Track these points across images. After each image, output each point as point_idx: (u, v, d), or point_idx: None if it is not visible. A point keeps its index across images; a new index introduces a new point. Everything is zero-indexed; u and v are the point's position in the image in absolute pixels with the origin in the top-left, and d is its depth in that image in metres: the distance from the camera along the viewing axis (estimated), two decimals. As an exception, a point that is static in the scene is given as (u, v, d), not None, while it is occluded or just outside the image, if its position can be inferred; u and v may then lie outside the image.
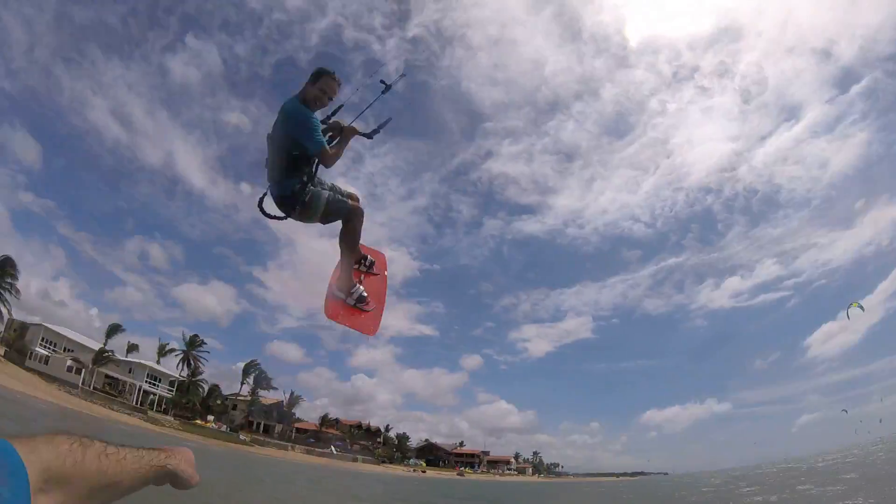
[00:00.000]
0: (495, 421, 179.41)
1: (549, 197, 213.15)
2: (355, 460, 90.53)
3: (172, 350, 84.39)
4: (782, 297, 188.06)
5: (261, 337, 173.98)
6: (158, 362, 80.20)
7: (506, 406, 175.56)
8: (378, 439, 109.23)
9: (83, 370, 59.08)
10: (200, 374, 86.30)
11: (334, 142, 4.47)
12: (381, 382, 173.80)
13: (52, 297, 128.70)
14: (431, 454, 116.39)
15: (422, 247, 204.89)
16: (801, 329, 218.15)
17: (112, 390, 63.26)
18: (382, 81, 4.72)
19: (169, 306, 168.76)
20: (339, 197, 4.69)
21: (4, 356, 55.56)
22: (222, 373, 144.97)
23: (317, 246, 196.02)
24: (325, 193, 4.59)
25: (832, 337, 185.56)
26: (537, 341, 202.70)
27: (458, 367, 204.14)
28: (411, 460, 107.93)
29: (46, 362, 60.05)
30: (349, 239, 4.77)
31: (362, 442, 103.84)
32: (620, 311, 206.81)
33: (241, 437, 76.34)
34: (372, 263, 5.52)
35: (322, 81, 4.31)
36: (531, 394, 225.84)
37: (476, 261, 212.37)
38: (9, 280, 58.95)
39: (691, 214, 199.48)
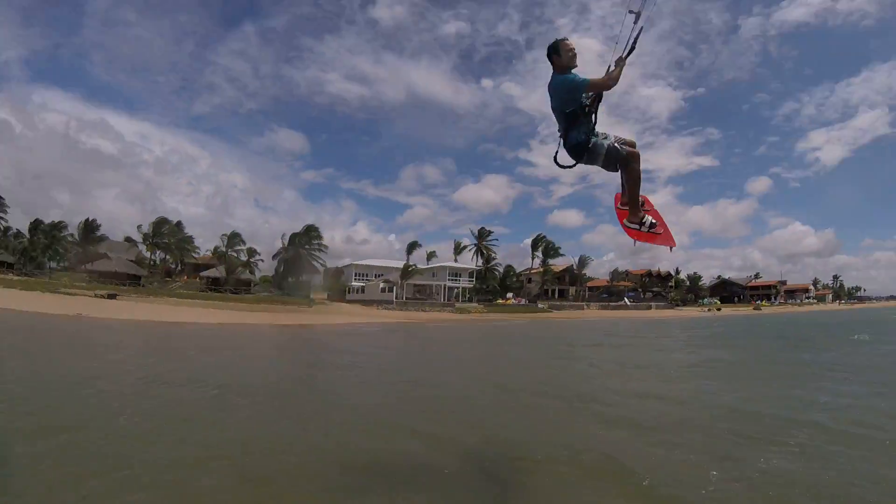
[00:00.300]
0: (790, 246, 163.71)
1: None
2: (649, 308, 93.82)
3: (465, 246, 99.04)
4: None
5: (541, 211, 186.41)
6: (456, 260, 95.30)
7: (801, 228, 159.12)
8: (669, 283, 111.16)
9: (394, 287, 74.19)
10: (494, 259, 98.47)
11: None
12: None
13: (354, 239, 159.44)
14: (725, 291, 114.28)
15: (679, 74, 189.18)
16: None
17: (421, 295, 78.12)
18: (631, 11, 4.90)
19: (454, 211, 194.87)
20: (617, 146, 5.24)
21: (328, 298, 73.94)
22: (513, 253, 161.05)
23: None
24: (606, 143, 5.22)
25: None
26: (829, 148, 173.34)
27: (745, 193, 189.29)
28: (705, 300, 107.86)
29: (363, 291, 77.96)
30: (630, 180, 5.43)
31: (654, 289, 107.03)
32: None
33: (540, 305, 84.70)
34: (653, 224, 5.67)
35: (560, 49, 5.08)
36: (828, 210, 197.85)
37: (743, 71, 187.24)
38: (315, 241, 74.95)
39: None
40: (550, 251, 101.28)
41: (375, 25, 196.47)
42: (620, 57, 4.93)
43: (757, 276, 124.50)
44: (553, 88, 5.20)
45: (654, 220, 5.57)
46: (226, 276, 68.33)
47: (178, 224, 78.37)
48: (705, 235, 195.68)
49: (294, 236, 73.39)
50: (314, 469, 5.82)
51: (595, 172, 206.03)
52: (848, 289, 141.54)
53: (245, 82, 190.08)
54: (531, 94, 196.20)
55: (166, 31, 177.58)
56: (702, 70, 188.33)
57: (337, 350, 20.51)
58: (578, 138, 5.23)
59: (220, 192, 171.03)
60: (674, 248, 5.48)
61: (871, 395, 10.05)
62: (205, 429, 7.29)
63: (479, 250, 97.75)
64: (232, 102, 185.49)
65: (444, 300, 77.55)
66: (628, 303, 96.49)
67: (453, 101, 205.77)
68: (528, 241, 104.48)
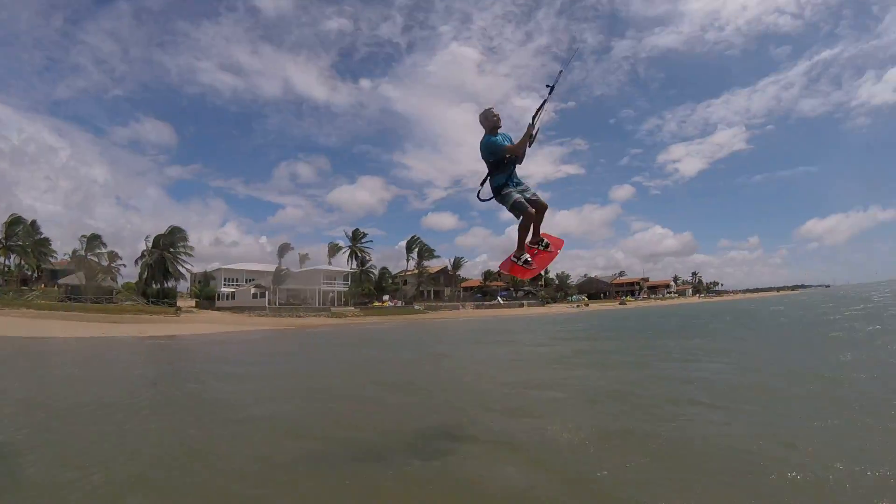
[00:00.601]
0: (651, 247, 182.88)
1: (679, 2, 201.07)
2: (521, 306, 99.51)
3: (339, 248, 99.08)
4: None
5: (415, 214, 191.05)
6: (330, 263, 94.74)
7: (661, 230, 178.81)
8: (540, 282, 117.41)
9: (267, 292, 72.10)
10: (369, 261, 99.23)
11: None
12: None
13: (223, 241, 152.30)
14: (592, 288, 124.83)
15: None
16: None
17: (295, 300, 76.48)
18: (548, 85, 6.55)
19: (328, 212, 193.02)
20: (523, 200, 6.47)
21: (196, 306, 70.23)
22: (388, 255, 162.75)
23: (448, 115, 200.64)
24: (515, 196, 6.46)
25: None
26: (688, 160, 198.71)
27: (609, 199, 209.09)
28: (574, 297, 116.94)
29: (234, 298, 74.66)
30: (521, 227, 6.66)
31: (525, 288, 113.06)
32: (774, 115, 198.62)
33: (416, 307, 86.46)
34: (548, 245, 7.16)
35: (486, 117, 6.59)
36: (686, 215, 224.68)
37: (611, 88, 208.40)
38: (181, 244, 70.43)
39: None
40: (425, 253, 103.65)
41: (257, 14, 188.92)
42: (530, 132, 6.41)
43: (621, 273, 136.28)
44: (482, 146, 6.62)
45: (529, 258, 6.89)
46: (85, 283, 63.15)
47: (34, 224, 69.72)
48: (573, 238, 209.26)
49: (158, 238, 68.47)
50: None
51: (468, 176, 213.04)
52: (706, 283, 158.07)
53: (113, 65, 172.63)
54: (408, 97, 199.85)
55: (33, 2, 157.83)
56: (573, 85, 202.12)
57: (215, 360, 20.18)
58: (498, 182, 6.62)
59: (81, 188, 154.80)
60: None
61: (734, 372, 12.07)
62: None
63: (354, 253, 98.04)
64: (97, 87, 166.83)
65: (319, 305, 76.83)
66: (501, 301, 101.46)
67: (330, 100, 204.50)
68: (403, 244, 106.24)
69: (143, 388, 12.57)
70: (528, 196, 6.66)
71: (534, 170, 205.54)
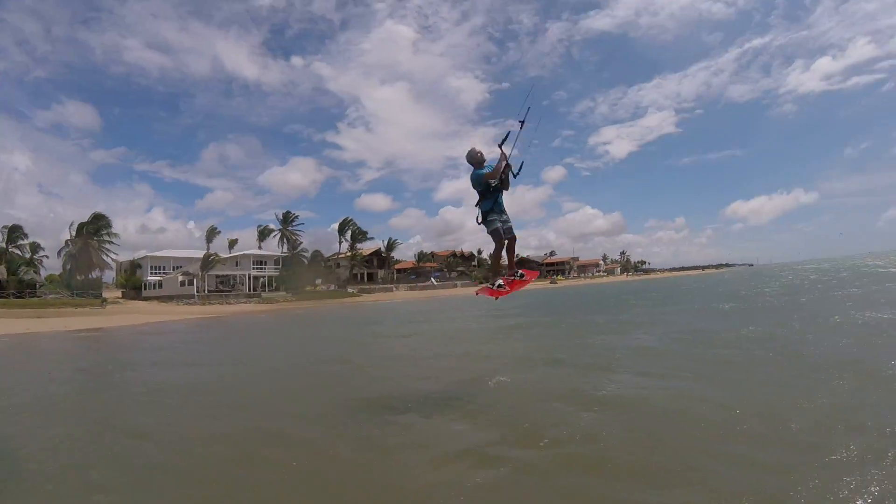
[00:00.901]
0: (582, 227, 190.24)
1: None
2: (455, 286, 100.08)
3: (270, 232, 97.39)
4: (877, 80, 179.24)
5: (348, 195, 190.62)
6: (260, 247, 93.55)
7: (591, 211, 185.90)
8: (473, 263, 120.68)
9: (195, 279, 71.27)
10: (300, 245, 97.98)
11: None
12: (469, 210, 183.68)
13: (150, 228, 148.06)
14: (524, 267, 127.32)
15: (486, 67, 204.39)
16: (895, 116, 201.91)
17: (225, 287, 76.01)
18: (520, 121, 8.02)
19: (258, 195, 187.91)
20: (501, 230, 8.06)
21: (123, 296, 68.96)
22: (320, 238, 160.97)
23: (381, 95, 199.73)
24: (496, 225, 8.06)
25: None
26: (618, 142, 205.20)
27: (541, 181, 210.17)
28: None
29: (161, 286, 73.54)
30: (495, 254, 8.46)
31: (459, 268, 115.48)
32: (704, 100, 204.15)
33: (350, 290, 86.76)
34: (522, 275, 8.60)
35: (472, 156, 8.14)
36: (616, 196, 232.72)
37: (546, 70, 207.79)
38: (104, 233, 69.08)
39: None
40: (358, 235, 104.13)
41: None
42: (504, 161, 7.91)
43: (552, 253, 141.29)
44: (472, 179, 8.16)
45: (502, 283, 8.32)
46: (7, 277, 61.32)
47: (-49, 216, 66.84)
48: None
49: (82, 226, 66.69)
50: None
51: (401, 157, 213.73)
52: (634, 263, 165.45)
53: (35, 45, 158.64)
54: (342, 76, 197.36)
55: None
56: (508, 66, 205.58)
57: (150, 349, 20.81)
58: (485, 207, 8.12)
59: (1, 177, 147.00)
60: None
61: (662, 340, 13.84)
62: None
63: (285, 236, 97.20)
64: (18, 68, 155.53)
65: (249, 291, 76.77)
66: (435, 282, 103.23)
67: (261, 78, 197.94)
68: (336, 226, 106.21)
69: (59, 385, 12.72)
70: (507, 226, 8.12)
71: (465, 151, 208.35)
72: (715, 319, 18.57)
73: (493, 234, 8.10)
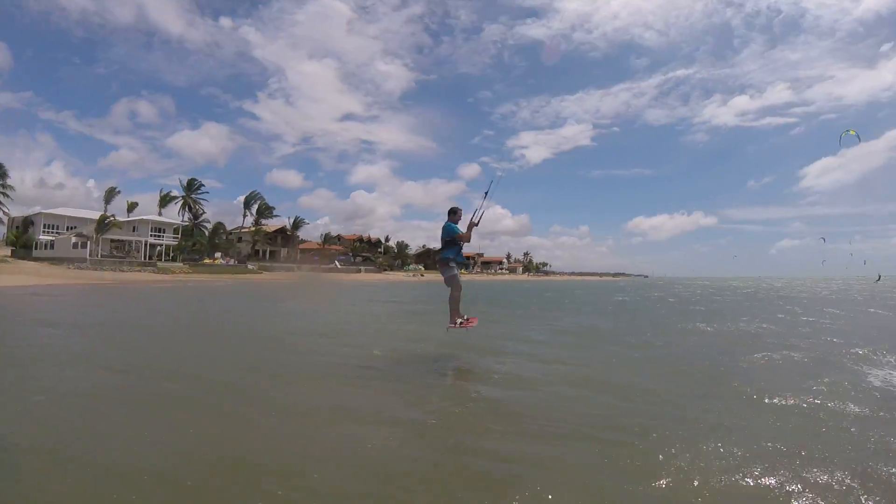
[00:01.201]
0: (490, 225, 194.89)
1: (557, 0, 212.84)
2: (359, 271, 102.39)
3: (173, 198, 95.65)
4: (788, 123, 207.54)
5: (260, 169, 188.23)
6: (160, 214, 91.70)
7: (501, 211, 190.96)
8: (379, 249, 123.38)
9: (88, 242, 69.47)
10: (202, 215, 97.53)
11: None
12: (380, 196, 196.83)
13: (48, 183, 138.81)
14: (429, 259, 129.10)
15: (418, 58, 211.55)
16: (799, 158, 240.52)
17: (119, 252, 74.60)
18: (485, 192, 9.74)
19: (164, 158, 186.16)
20: (459, 278, 9.44)
21: (13, 255, 66.42)
22: (225, 210, 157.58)
23: (306, 69, 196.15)
24: (455, 272, 9.37)
25: (829, 171, 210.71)
26: (535, 148, 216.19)
27: (456, 176, 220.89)
28: (410, 266, 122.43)
29: (52, 247, 70.98)
30: (454, 299, 9.49)
31: (364, 254, 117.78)
32: (622, 119, 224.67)
33: (249, 266, 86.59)
34: (468, 319, 9.78)
35: (455, 213, 9.46)
36: (526, 199, 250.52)
37: (475, 68, 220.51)
38: None
39: (708, 26, 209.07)
40: (265, 211, 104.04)
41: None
42: (472, 221, 9.47)
43: None
44: (446, 229, 9.39)
45: (463, 321, 9.58)
46: None
47: None
48: (416, 209, 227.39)
49: None
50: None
51: (319, 135, 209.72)
52: (536, 264, 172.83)
53: None
54: (269, 44, 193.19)
55: None
56: (439, 59, 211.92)
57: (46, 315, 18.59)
58: (448, 255, 9.35)
59: None
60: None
61: (552, 333, 14.82)
62: None
63: (188, 204, 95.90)
64: None
65: (145, 258, 75.46)
66: (339, 266, 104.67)
67: (184, 35, 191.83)
68: (242, 199, 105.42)
69: None
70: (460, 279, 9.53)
71: (386, 137, 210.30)
72: (588, 317, 21.12)
73: (453, 279, 9.41)
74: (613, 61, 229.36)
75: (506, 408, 6.66)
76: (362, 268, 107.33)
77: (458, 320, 9.57)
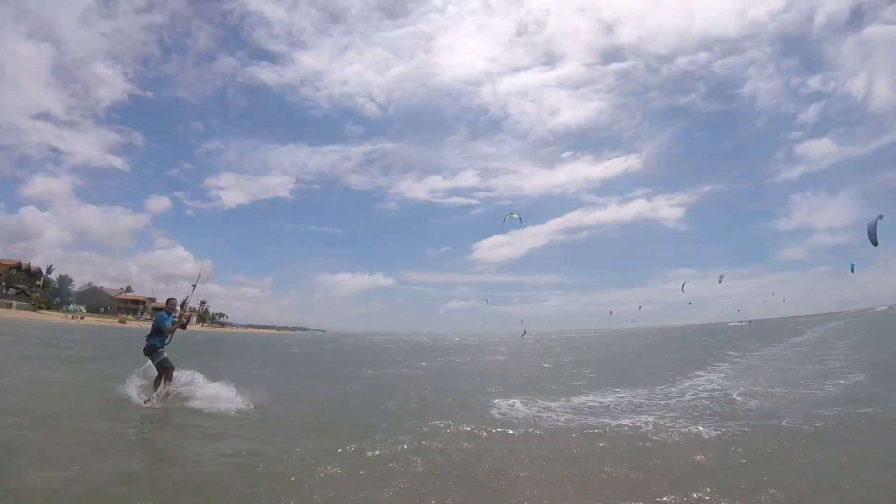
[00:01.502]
0: (169, 267, 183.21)
1: (297, 51, 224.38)
2: (10, 306, 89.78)
3: None
4: (471, 203, 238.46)
5: None
6: None
7: (183, 253, 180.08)
8: (38, 282, 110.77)
9: None
10: None
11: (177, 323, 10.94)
12: (54, 217, 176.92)
13: None
14: (95, 299, 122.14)
15: (140, 70, 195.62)
16: (475, 234, 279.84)
17: None
18: (192, 284, 12.09)
19: None
20: (168, 362, 10.55)
21: None
22: None
23: (18, 49, 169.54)
24: (163, 357, 10.55)
25: (498, 247, 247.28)
26: (234, 191, 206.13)
27: (143, 207, 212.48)
28: (71, 306, 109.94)
29: None
30: (157, 380, 10.49)
31: (19, 285, 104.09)
32: (325, 178, 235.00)
33: None
34: (167, 395, 10.39)
35: (172, 306, 11.12)
36: (212, 243, 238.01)
37: (195, 97, 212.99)
38: None
39: (423, 111, 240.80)
40: None
41: None
42: (182, 320, 11.31)
43: (129, 289, 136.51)
44: (159, 319, 10.98)
45: (167, 392, 10.58)
46: None
47: None
48: (90, 238, 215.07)
49: None
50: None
51: (5, 129, 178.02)
52: (213, 314, 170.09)
53: None
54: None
55: None
56: (161, 77, 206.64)
57: None
58: (153, 344, 10.71)
59: None
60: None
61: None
62: None
63: None
64: None
65: None
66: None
67: None
68: None
69: None
70: (168, 363, 10.70)
71: (78, 148, 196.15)
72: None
73: (163, 363, 10.56)
74: (331, 123, 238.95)
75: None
76: (14, 302, 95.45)
77: (154, 395, 10.40)
